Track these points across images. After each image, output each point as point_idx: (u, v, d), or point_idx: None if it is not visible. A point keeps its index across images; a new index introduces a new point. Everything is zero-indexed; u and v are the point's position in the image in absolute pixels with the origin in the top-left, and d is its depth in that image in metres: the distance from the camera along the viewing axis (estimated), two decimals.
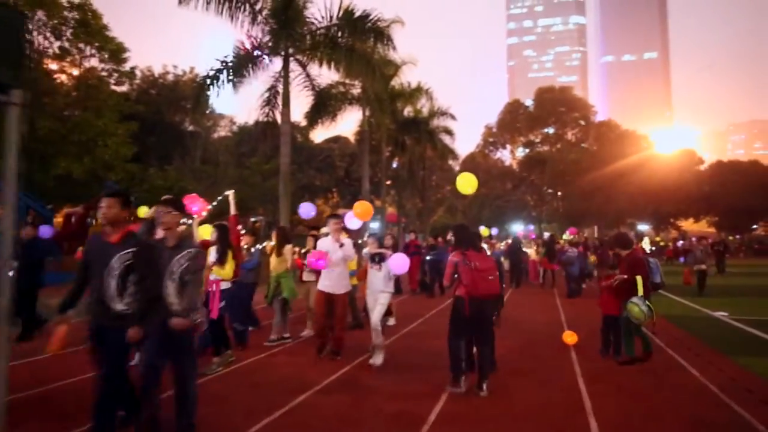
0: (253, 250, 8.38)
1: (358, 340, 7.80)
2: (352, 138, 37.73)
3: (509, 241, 23.94)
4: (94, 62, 21.44)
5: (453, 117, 31.04)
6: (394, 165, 34.44)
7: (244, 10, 16.98)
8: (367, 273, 7.07)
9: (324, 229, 9.83)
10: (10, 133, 2.72)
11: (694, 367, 6.40)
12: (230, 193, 7.64)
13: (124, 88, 24.68)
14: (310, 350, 7.26)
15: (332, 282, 6.95)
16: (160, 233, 5.87)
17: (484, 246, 6.50)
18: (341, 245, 6.93)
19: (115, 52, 20.87)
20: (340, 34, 17.34)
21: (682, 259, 29.35)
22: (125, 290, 3.76)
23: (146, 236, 5.55)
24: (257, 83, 18.26)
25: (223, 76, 17.08)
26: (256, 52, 17.63)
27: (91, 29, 19.85)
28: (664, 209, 46.41)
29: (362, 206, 7.60)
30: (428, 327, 9.58)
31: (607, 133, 57.72)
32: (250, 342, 7.75)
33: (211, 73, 17.05)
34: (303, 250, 9.62)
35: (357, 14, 17.04)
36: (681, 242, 38.15)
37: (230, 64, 17.17)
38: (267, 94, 18.43)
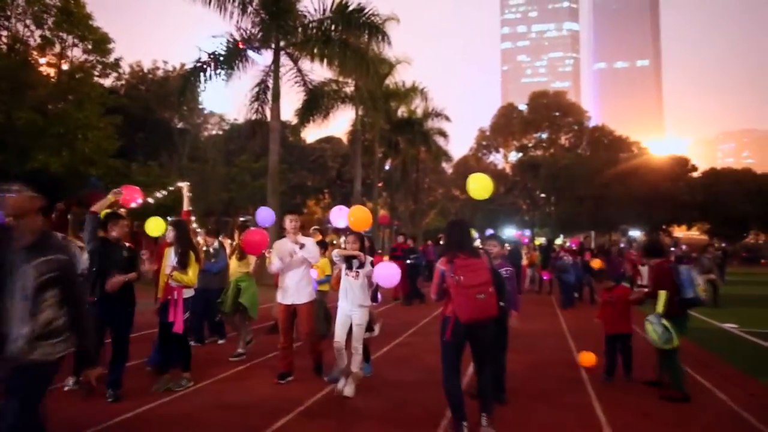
0: (212, 250, 7.58)
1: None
2: (344, 138, 37.14)
3: (508, 246, 23.21)
4: (77, 53, 20.59)
5: (447, 118, 30.55)
6: (387, 167, 33.89)
7: (234, 0, 16.32)
8: (340, 281, 5.66)
9: (311, 232, 9.17)
10: None
11: (721, 389, 5.76)
12: (184, 186, 6.76)
13: (110, 82, 23.80)
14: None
15: (291, 291, 5.83)
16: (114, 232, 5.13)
17: (492, 250, 5.46)
18: (301, 246, 5.83)
19: (99, 42, 20.01)
20: (333, 27, 16.72)
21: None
22: (37, 314, 2.67)
23: (92, 234, 4.82)
24: (247, 78, 17.62)
25: (211, 69, 16.40)
26: (245, 45, 16.96)
27: (73, 18, 19.00)
28: (656, 216, 46.16)
29: (359, 213, 5.85)
30: (422, 338, 8.90)
31: (600, 139, 57.62)
32: (219, 357, 7.02)
33: (198, 65, 16.36)
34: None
35: (351, 7, 16.41)
36: (673, 249, 37.80)
37: (218, 56, 16.48)
38: (256, 89, 17.77)
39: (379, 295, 8.82)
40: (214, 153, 32.17)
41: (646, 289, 5.72)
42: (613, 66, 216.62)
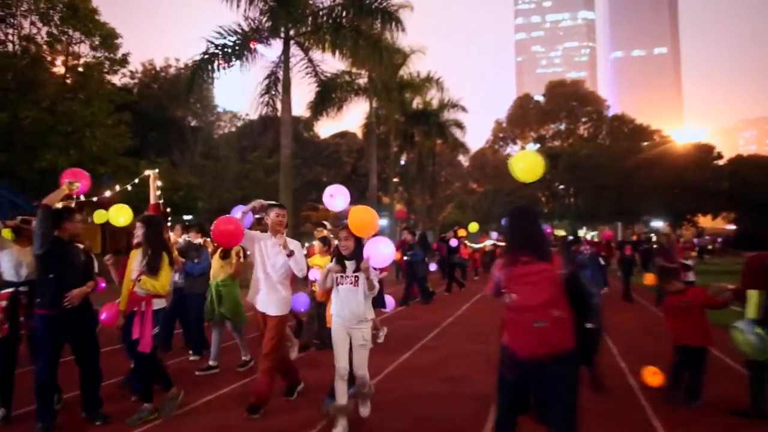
0: (181, 242, 6.78)
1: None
2: (359, 133, 36.60)
3: None
4: (84, 49, 20.19)
5: (464, 109, 29.74)
6: (403, 161, 33.26)
7: None
8: (332, 292, 4.42)
9: (329, 225, 8.42)
10: None
11: None
12: (151, 174, 5.80)
13: (123, 80, 23.38)
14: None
15: (263, 298, 4.68)
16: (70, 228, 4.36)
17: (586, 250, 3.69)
18: (290, 254, 4.56)
19: (106, 37, 19.57)
20: (344, 14, 16.03)
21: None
22: None
23: (45, 233, 4.14)
24: (258, 71, 17.05)
25: (218, 60, 15.81)
26: (255, 40, 16.36)
27: (80, 13, 18.56)
28: (680, 205, 44.95)
29: (360, 215, 4.20)
30: (445, 341, 8.21)
31: (620, 128, 56.29)
32: (200, 376, 6.04)
33: (206, 56, 15.78)
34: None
35: None
36: (696, 240, 36.67)
37: (225, 46, 15.89)
38: (266, 81, 17.16)
39: (390, 300, 7.88)
40: (226, 150, 31.73)
41: (730, 286, 4.75)
42: (630, 54, 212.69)
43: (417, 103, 28.76)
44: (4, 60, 18.34)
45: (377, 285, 4.27)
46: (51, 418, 4.26)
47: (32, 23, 18.95)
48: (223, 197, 28.85)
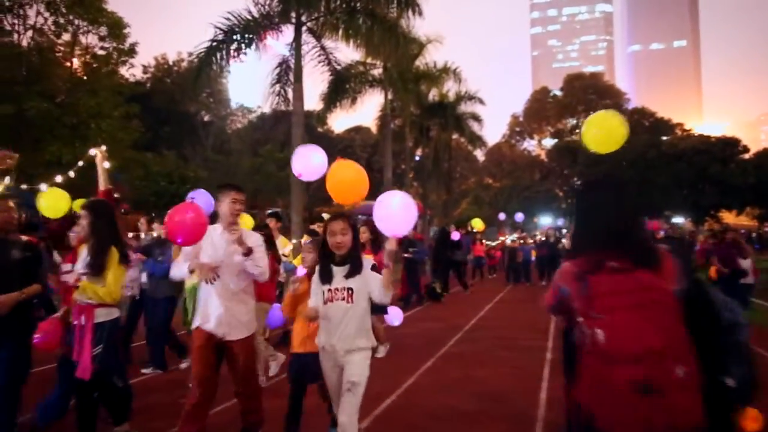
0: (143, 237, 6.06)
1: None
2: (373, 127, 35.92)
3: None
4: (92, 39, 19.68)
5: (482, 101, 28.80)
6: (418, 157, 32.53)
7: None
8: (317, 310, 3.10)
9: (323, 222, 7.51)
10: None
11: None
12: (97, 152, 4.60)
13: (126, 70, 22.80)
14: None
15: (221, 317, 3.43)
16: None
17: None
18: (247, 252, 3.37)
19: (113, 27, 19.00)
20: None
21: None
22: None
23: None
24: (270, 62, 16.41)
25: (225, 48, 15.16)
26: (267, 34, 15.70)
27: (85, 1, 17.99)
28: (704, 200, 43.69)
29: (341, 172, 3.71)
30: (472, 345, 7.45)
31: (641, 121, 54.96)
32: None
33: (213, 44, 15.11)
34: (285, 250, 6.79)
35: None
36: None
37: (235, 33, 15.23)
38: (278, 70, 16.48)
39: (397, 313, 6.08)
40: (239, 144, 31.23)
41: None
42: (649, 48, 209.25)
43: (433, 95, 27.93)
44: (10, 50, 17.88)
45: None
46: None
47: (38, 12, 18.46)
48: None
